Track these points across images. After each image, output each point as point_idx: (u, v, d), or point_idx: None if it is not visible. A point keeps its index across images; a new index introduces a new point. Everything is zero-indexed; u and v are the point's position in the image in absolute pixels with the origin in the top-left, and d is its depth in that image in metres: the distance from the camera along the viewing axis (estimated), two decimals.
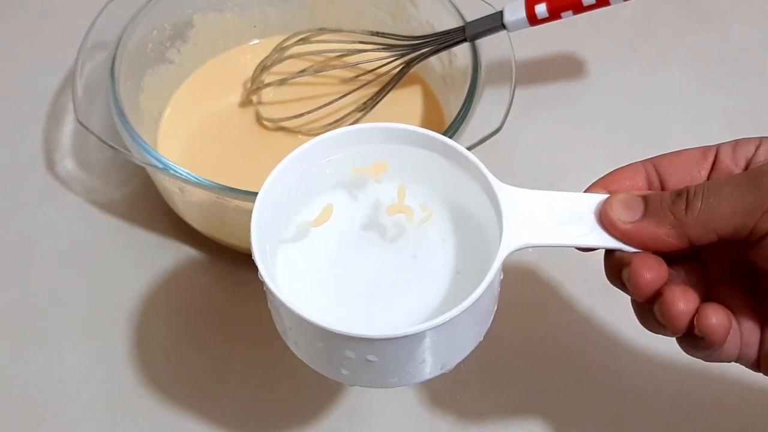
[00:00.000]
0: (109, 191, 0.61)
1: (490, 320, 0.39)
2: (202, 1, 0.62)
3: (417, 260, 0.39)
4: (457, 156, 0.39)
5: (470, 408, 0.51)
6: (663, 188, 0.38)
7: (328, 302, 0.39)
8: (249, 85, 0.62)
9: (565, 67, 0.68)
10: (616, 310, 0.54)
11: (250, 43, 0.65)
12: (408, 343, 0.35)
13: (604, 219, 0.37)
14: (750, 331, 0.36)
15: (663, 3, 0.72)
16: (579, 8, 0.55)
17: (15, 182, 0.62)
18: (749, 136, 0.38)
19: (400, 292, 0.39)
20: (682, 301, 0.35)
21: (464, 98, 0.53)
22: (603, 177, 0.39)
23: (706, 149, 0.38)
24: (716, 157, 0.38)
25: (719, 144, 0.38)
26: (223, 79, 0.64)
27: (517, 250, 0.37)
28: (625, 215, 0.36)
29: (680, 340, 0.37)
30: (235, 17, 0.64)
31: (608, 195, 0.37)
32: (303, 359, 0.39)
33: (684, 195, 0.36)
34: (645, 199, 0.37)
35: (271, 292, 0.36)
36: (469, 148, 0.50)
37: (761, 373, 0.37)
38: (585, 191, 0.39)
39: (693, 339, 0.36)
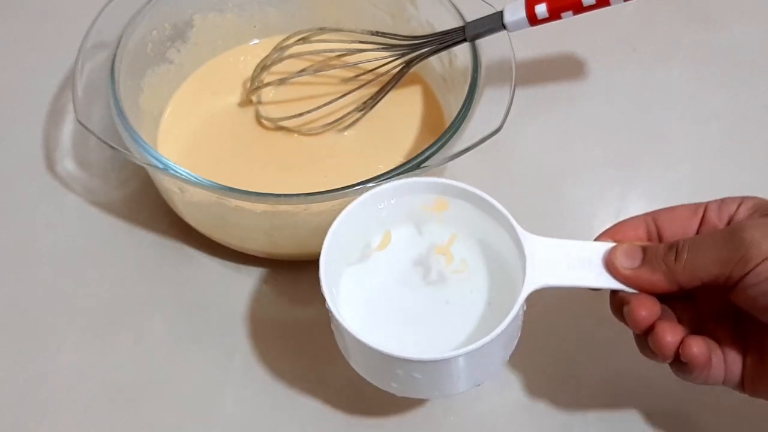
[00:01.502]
0: (109, 191, 0.61)
1: (515, 344, 0.46)
2: (202, 1, 0.62)
3: (449, 305, 0.46)
4: (491, 208, 0.46)
5: (470, 408, 0.51)
6: (660, 239, 0.44)
7: (379, 324, 0.46)
8: (249, 84, 0.62)
9: (565, 68, 0.68)
10: None
11: (250, 43, 0.65)
12: (447, 364, 0.42)
13: (609, 265, 0.44)
14: (733, 359, 0.43)
15: (663, 3, 0.72)
16: (579, 8, 0.55)
17: (15, 182, 0.62)
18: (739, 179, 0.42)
19: (440, 322, 0.46)
20: (670, 334, 0.42)
21: (464, 98, 0.53)
22: (610, 228, 0.46)
23: (696, 206, 0.44)
24: (705, 213, 0.44)
25: (708, 202, 0.44)
26: (223, 79, 0.64)
27: (537, 289, 0.43)
28: (626, 263, 0.43)
29: (671, 366, 0.44)
30: (235, 17, 0.64)
31: (614, 244, 0.44)
32: (359, 372, 0.46)
33: (674, 247, 0.42)
34: (644, 249, 0.43)
35: (336, 320, 0.43)
36: (468, 148, 0.51)
37: (746, 394, 0.43)
38: (594, 239, 0.45)
39: (680, 364, 0.42)
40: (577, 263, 0.44)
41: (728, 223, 0.43)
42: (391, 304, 0.47)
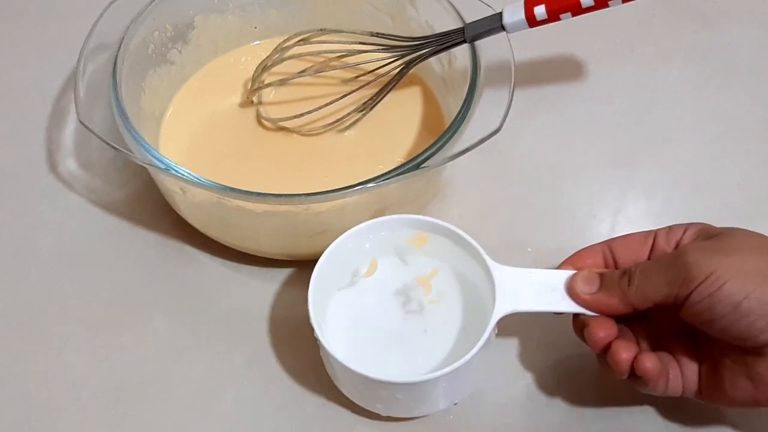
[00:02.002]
0: (110, 191, 0.61)
1: (488, 365, 0.50)
2: (204, 2, 0.62)
3: (427, 332, 0.50)
4: (464, 241, 0.49)
5: (469, 409, 0.51)
6: (616, 265, 0.48)
7: (363, 348, 0.49)
8: (249, 85, 0.62)
9: (564, 68, 0.68)
10: None
11: (251, 45, 0.66)
12: (427, 386, 0.46)
13: (570, 291, 0.47)
14: (690, 370, 0.46)
15: (661, 4, 0.73)
16: (578, 10, 0.55)
17: (18, 182, 0.62)
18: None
19: (418, 346, 0.50)
20: (625, 352, 0.45)
21: (464, 99, 0.53)
22: (571, 256, 0.49)
23: (647, 234, 0.48)
24: (654, 240, 0.48)
25: (657, 229, 0.48)
26: (224, 80, 0.64)
27: (506, 315, 0.47)
28: (585, 288, 0.47)
29: (629, 380, 0.46)
30: (236, 19, 0.64)
31: (574, 272, 0.48)
32: (347, 395, 0.50)
33: (627, 273, 0.46)
34: (601, 276, 0.47)
35: (325, 349, 0.46)
36: (468, 149, 0.51)
37: (704, 401, 0.47)
38: (557, 267, 0.49)
39: (636, 378, 0.46)
40: (542, 290, 0.48)
41: (675, 248, 0.47)
42: (374, 329, 0.50)
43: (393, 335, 0.50)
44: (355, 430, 0.51)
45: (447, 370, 0.45)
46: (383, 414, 0.50)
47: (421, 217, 0.51)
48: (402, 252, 0.52)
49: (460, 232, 0.50)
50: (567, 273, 0.48)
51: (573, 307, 0.47)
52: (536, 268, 0.48)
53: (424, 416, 0.51)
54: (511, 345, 0.54)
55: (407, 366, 0.49)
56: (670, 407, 0.51)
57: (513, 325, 0.51)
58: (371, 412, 0.50)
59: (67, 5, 0.72)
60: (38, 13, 0.73)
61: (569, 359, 0.53)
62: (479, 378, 0.50)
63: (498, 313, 0.47)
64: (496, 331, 0.47)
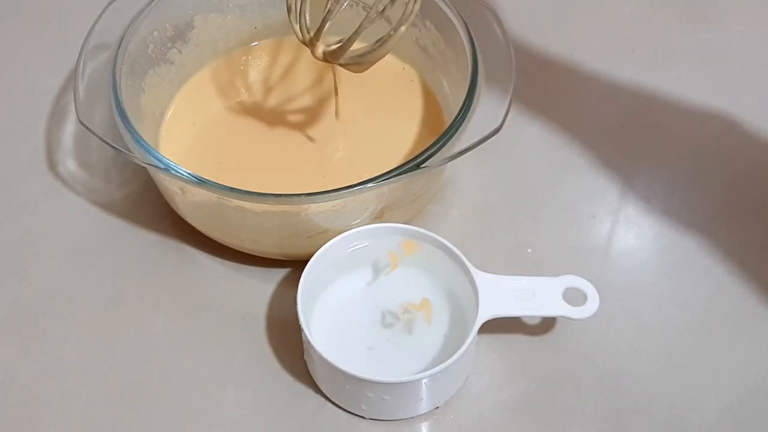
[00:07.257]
0: (110, 191, 0.61)
1: (468, 371, 0.52)
2: (203, 2, 0.62)
3: (412, 339, 0.52)
4: (448, 250, 0.52)
5: (470, 408, 0.51)
6: None
7: (350, 351, 0.51)
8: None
9: (564, 68, 0.68)
10: (614, 310, 0.54)
11: (251, 45, 0.66)
12: (413, 386, 0.48)
13: None
14: None
15: (661, 4, 0.73)
16: None
17: (17, 182, 0.62)
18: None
19: (402, 353, 0.51)
20: None
21: (464, 99, 0.54)
22: None
23: None
24: None
25: None
26: (224, 80, 0.64)
27: (488, 320, 0.49)
28: None
29: None
30: (235, 18, 0.64)
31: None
32: (330, 396, 0.51)
33: None
34: None
35: (315, 350, 0.48)
36: (468, 148, 0.51)
37: None
38: None
39: None
40: (523, 295, 0.50)
41: None
42: (360, 335, 0.52)
43: (378, 341, 0.51)
44: (355, 430, 0.51)
45: (435, 370, 0.47)
46: (367, 416, 0.50)
47: (408, 226, 0.52)
48: (390, 259, 0.53)
49: (446, 241, 0.51)
50: (546, 279, 0.51)
51: (552, 312, 0.50)
52: (526, 271, 0.50)
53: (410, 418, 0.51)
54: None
55: (391, 370, 0.50)
56: (669, 407, 0.51)
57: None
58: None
59: (67, 5, 0.73)
60: (38, 12, 0.73)
61: (570, 360, 0.53)
62: (461, 381, 0.51)
63: (481, 318, 0.49)
64: (476, 337, 0.49)
